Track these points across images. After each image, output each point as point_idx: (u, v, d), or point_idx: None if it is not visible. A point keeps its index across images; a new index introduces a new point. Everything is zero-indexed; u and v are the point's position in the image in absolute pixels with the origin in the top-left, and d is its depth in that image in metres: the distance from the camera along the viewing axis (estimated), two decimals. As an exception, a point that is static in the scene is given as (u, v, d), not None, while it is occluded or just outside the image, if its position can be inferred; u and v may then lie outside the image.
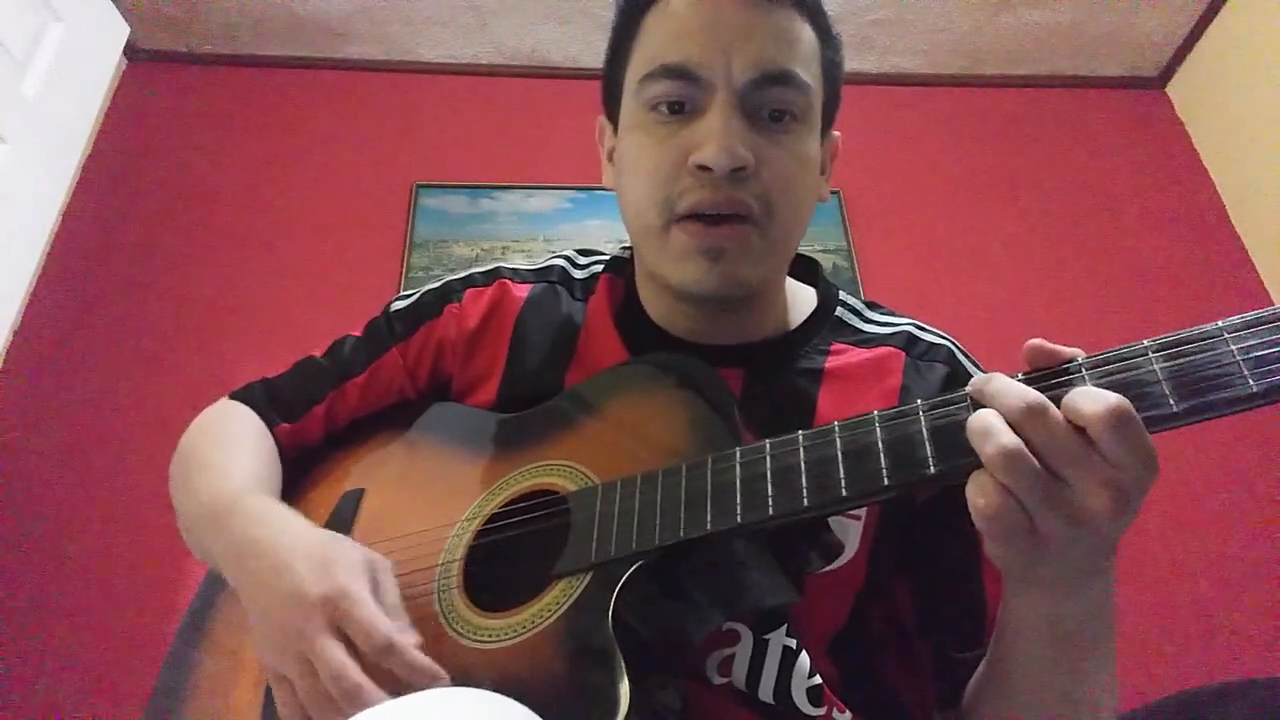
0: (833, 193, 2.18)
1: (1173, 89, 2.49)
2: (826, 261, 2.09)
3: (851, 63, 2.39)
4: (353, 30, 2.26)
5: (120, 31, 2.07)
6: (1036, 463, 0.44)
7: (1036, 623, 0.55)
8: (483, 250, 2.10)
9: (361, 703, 0.51)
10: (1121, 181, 2.33)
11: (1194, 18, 2.33)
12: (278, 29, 2.24)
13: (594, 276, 0.84)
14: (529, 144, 2.23)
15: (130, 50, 2.19)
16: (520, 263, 0.86)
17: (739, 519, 0.53)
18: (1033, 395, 0.45)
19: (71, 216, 2.00)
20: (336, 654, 0.53)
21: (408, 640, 0.54)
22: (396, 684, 0.53)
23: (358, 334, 0.84)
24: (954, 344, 0.76)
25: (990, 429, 0.45)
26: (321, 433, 0.82)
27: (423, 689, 0.53)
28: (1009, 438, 0.44)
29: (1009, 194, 2.29)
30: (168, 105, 2.22)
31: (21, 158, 1.71)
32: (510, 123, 2.28)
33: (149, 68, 2.26)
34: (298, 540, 0.61)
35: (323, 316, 1.87)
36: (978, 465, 0.47)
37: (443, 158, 2.21)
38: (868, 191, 2.24)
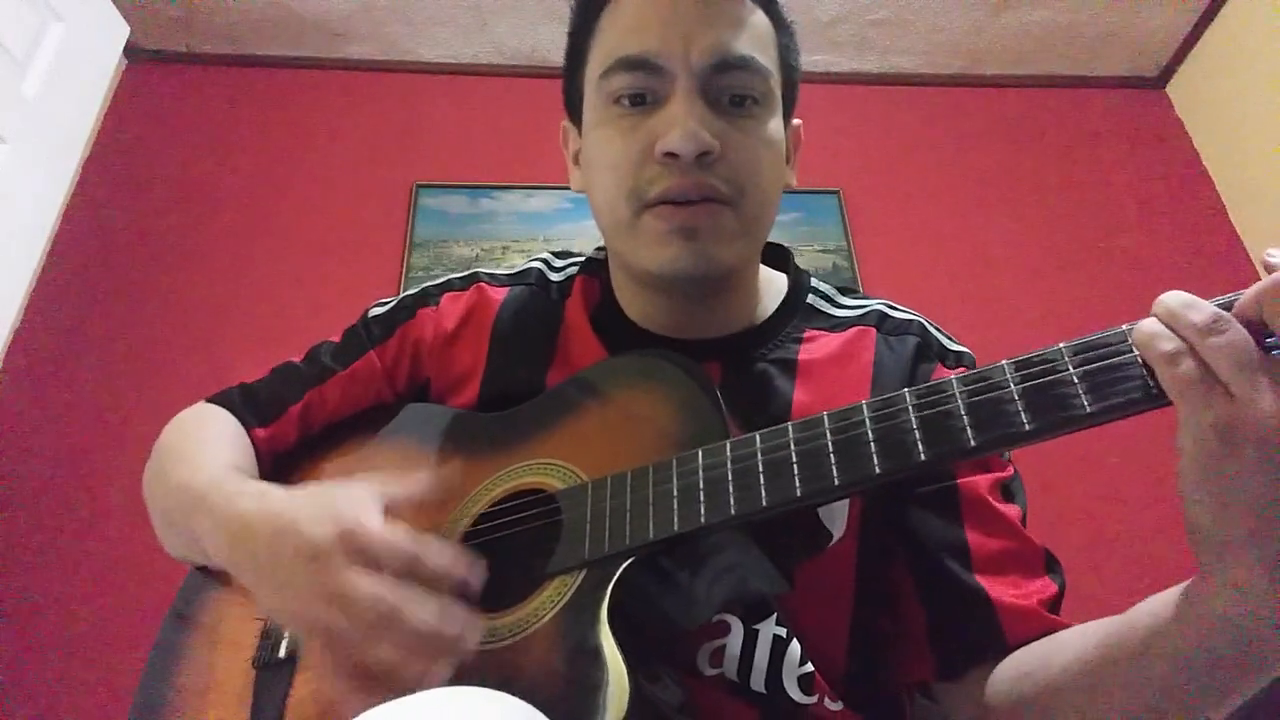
0: (833, 192, 2.20)
1: (1173, 89, 2.49)
2: (826, 261, 2.10)
3: (851, 63, 2.40)
4: (353, 30, 2.26)
5: (120, 31, 2.07)
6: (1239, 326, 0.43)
7: (1213, 608, 0.47)
8: (483, 250, 2.10)
9: (407, 618, 0.51)
10: (1121, 181, 2.33)
11: (1194, 18, 2.33)
12: (278, 29, 2.24)
13: (570, 279, 0.84)
14: (529, 144, 2.23)
15: (130, 50, 2.19)
16: (498, 268, 0.87)
17: (733, 511, 0.53)
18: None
19: (71, 216, 2.00)
20: (366, 582, 0.52)
21: (429, 546, 0.54)
22: (434, 593, 0.53)
23: (335, 340, 0.84)
24: (924, 319, 0.77)
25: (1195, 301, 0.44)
26: (297, 436, 0.81)
27: (462, 585, 0.53)
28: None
29: (1009, 194, 2.29)
30: (168, 105, 2.22)
31: (21, 158, 1.71)
32: (510, 123, 2.28)
33: (149, 68, 2.26)
34: (288, 501, 0.60)
35: (323, 316, 1.86)
36: (966, 455, 0.48)
37: (443, 158, 2.21)
38: (868, 191, 2.24)
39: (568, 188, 2.40)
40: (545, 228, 2.15)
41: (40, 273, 1.92)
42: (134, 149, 2.14)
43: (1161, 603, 0.52)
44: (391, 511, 0.59)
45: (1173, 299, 0.45)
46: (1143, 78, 2.49)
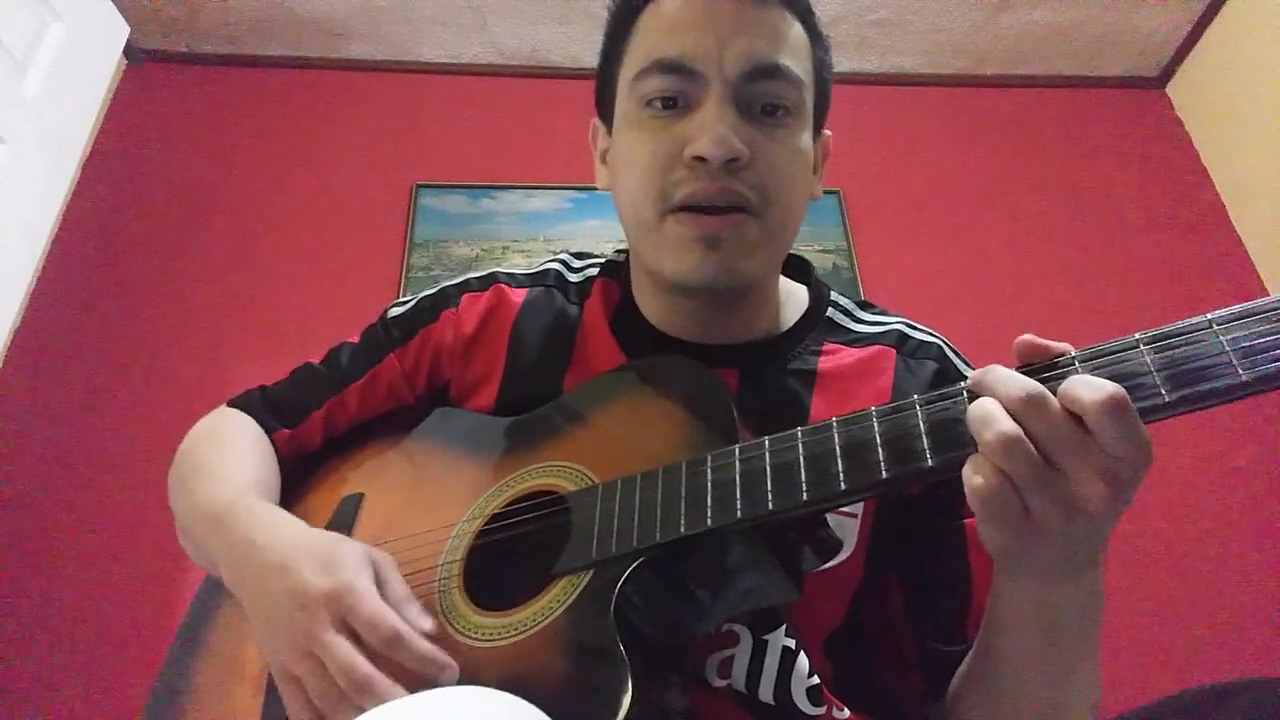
0: (833, 193, 2.20)
1: (1173, 89, 2.49)
2: (826, 261, 2.10)
3: (851, 63, 2.40)
4: (353, 30, 2.26)
5: (120, 31, 2.07)
6: (1034, 450, 0.45)
7: (1025, 611, 0.55)
8: (483, 250, 2.10)
9: (372, 694, 0.51)
10: (1121, 181, 2.33)
11: (1194, 18, 2.33)
12: (278, 29, 2.24)
13: (589, 280, 0.84)
14: (529, 144, 2.23)
15: (130, 50, 2.19)
16: (516, 268, 0.87)
17: (739, 514, 0.53)
18: (1032, 384, 0.46)
19: (71, 216, 2.00)
20: (344, 648, 0.53)
21: (415, 628, 0.55)
22: (406, 676, 0.53)
23: (354, 341, 0.84)
24: (944, 342, 0.77)
25: (990, 415, 0.46)
26: (320, 439, 0.82)
27: (433, 680, 0.54)
28: (1008, 424, 0.45)
29: (1009, 194, 2.29)
30: (168, 105, 2.22)
31: (21, 158, 1.71)
32: (510, 123, 2.28)
33: (149, 68, 2.26)
34: (298, 540, 0.62)
35: (323, 317, 1.88)
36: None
37: (443, 158, 2.21)
38: (868, 191, 2.24)
39: (567, 187, 2.39)
40: (545, 228, 2.15)
41: (40, 273, 1.91)
42: (134, 149, 2.14)
43: (991, 614, 0.59)
44: (380, 585, 0.58)
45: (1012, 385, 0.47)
46: (1143, 78, 2.49)
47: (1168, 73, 2.47)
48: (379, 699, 0.51)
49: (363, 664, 0.52)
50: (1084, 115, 2.43)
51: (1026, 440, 0.45)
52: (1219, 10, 2.29)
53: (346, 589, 0.55)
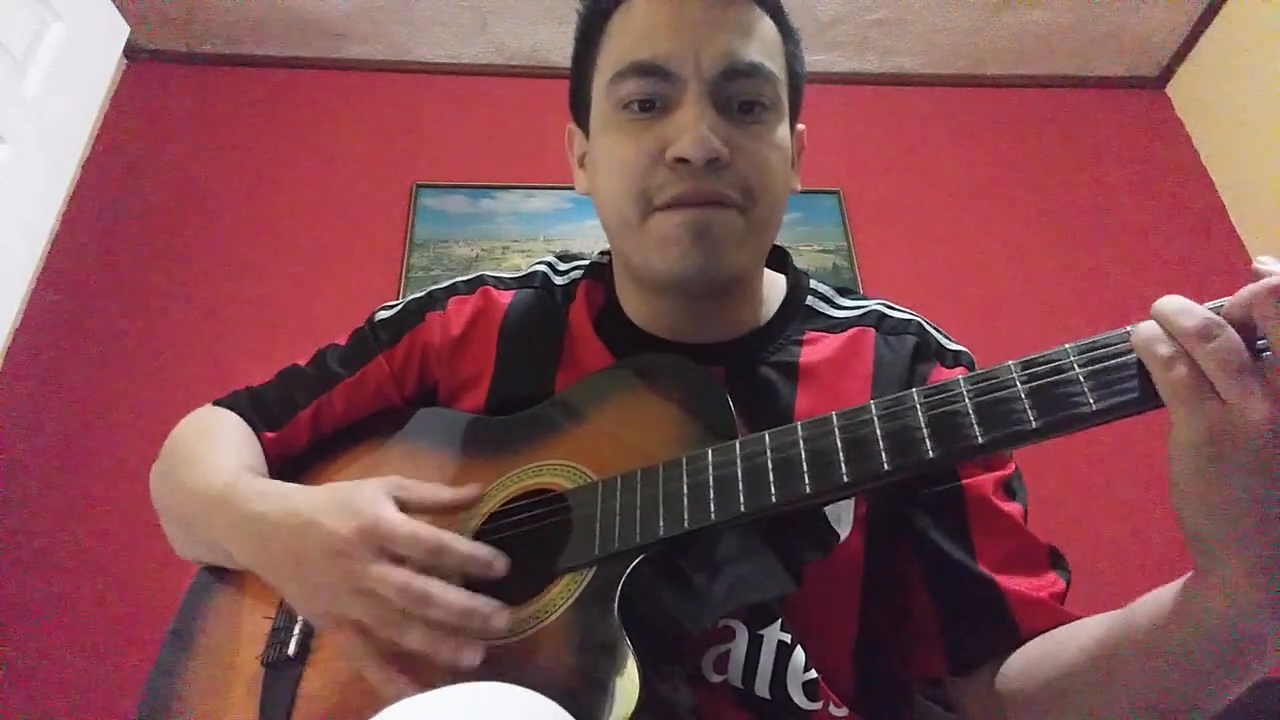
0: (833, 192, 2.20)
1: (1173, 89, 2.49)
2: (826, 261, 2.10)
3: (851, 63, 2.40)
4: (353, 30, 2.26)
5: (120, 31, 2.07)
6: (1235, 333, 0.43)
7: (1198, 613, 0.48)
8: (483, 250, 2.10)
9: (434, 603, 0.53)
10: (1121, 181, 2.33)
11: (1194, 18, 2.33)
12: (278, 29, 2.24)
13: (574, 283, 0.84)
14: (529, 144, 2.23)
15: (130, 50, 2.19)
16: (504, 272, 0.87)
17: (742, 508, 0.54)
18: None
19: (71, 216, 2.00)
20: (394, 570, 0.55)
21: (450, 536, 0.56)
22: (456, 583, 0.55)
23: (341, 344, 0.84)
24: (923, 319, 0.78)
25: (1186, 307, 0.45)
26: (307, 440, 0.81)
27: (484, 575, 0.56)
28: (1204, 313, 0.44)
29: (1009, 194, 2.29)
30: (168, 105, 2.22)
31: (21, 158, 1.71)
32: (510, 123, 2.28)
33: (149, 68, 2.26)
34: (309, 498, 0.62)
35: (323, 316, 1.88)
36: (974, 453, 0.48)
37: (443, 158, 2.21)
38: (868, 191, 2.24)
39: (567, 187, 2.40)
40: (545, 227, 2.15)
41: (40, 273, 1.91)
42: (134, 149, 2.13)
43: (1161, 600, 0.52)
44: (406, 508, 0.60)
45: (1168, 304, 0.45)
46: (1143, 78, 2.50)
47: (1168, 73, 2.47)
48: (442, 606, 0.53)
49: (417, 578, 0.54)
50: (1084, 115, 2.44)
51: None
52: (1219, 10, 2.29)
53: (375, 521, 0.56)
